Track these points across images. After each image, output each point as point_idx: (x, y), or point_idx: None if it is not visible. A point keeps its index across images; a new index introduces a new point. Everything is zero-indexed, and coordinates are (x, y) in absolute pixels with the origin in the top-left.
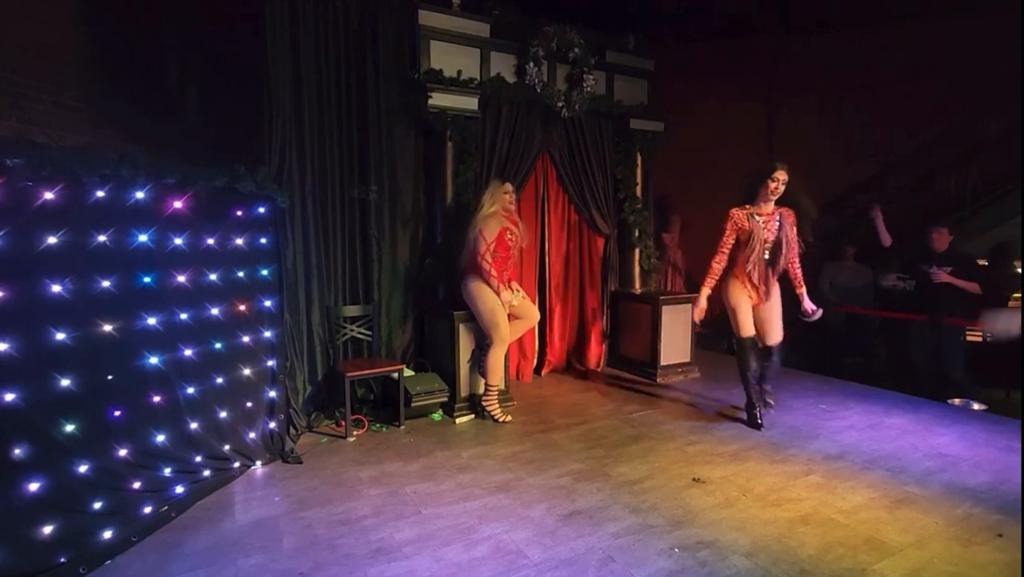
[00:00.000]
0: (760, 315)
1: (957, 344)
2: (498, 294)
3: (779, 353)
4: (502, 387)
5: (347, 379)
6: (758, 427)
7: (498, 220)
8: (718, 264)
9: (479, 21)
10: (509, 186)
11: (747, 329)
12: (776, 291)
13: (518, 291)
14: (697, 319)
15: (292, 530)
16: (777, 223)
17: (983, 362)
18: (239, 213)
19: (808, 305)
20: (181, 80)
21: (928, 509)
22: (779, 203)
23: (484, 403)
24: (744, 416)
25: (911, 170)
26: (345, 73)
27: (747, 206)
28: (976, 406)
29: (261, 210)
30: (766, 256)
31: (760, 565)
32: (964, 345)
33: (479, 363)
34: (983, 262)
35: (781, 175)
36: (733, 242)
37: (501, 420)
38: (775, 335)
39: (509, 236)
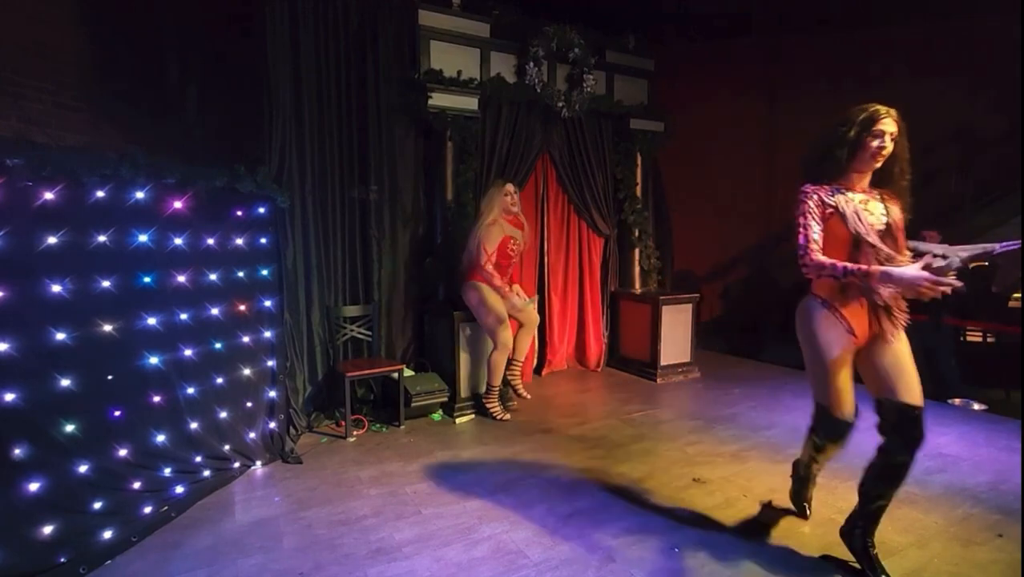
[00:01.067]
0: (878, 360)
1: (949, 343)
2: (506, 299)
3: (921, 429)
4: (503, 387)
5: (347, 379)
6: (805, 515)
7: (500, 229)
8: (826, 262)
9: (479, 21)
10: (510, 186)
11: (845, 403)
12: (903, 320)
13: (521, 296)
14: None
15: (292, 530)
16: (882, 206)
17: (982, 362)
18: (239, 213)
19: (935, 249)
20: (181, 80)
21: (928, 509)
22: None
23: (485, 402)
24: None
25: (911, 169)
26: (345, 73)
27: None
28: (976, 406)
29: (261, 210)
30: (876, 257)
31: (760, 565)
32: (958, 344)
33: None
34: (983, 263)
35: (889, 123)
36: (822, 233)
37: (500, 418)
38: (912, 388)
39: (513, 245)
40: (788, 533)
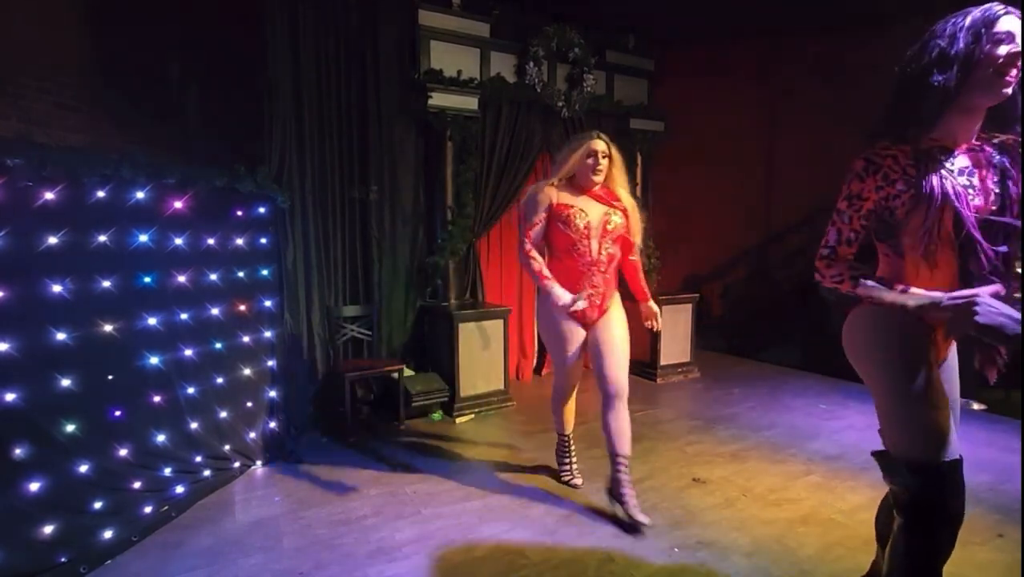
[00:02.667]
0: None
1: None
2: (546, 293)
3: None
4: (567, 432)
5: (347, 379)
6: None
7: (552, 194)
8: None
9: (479, 21)
10: (599, 143)
11: (942, 438)
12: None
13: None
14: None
15: (292, 530)
16: (994, 167)
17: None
18: (239, 213)
19: None
20: (181, 80)
21: None
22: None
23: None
24: None
25: None
26: (345, 73)
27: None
28: (976, 406)
29: (261, 210)
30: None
31: (760, 565)
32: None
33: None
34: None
35: (1014, 22)
36: (863, 225)
37: (570, 482)
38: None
39: (577, 219)
40: (787, 533)
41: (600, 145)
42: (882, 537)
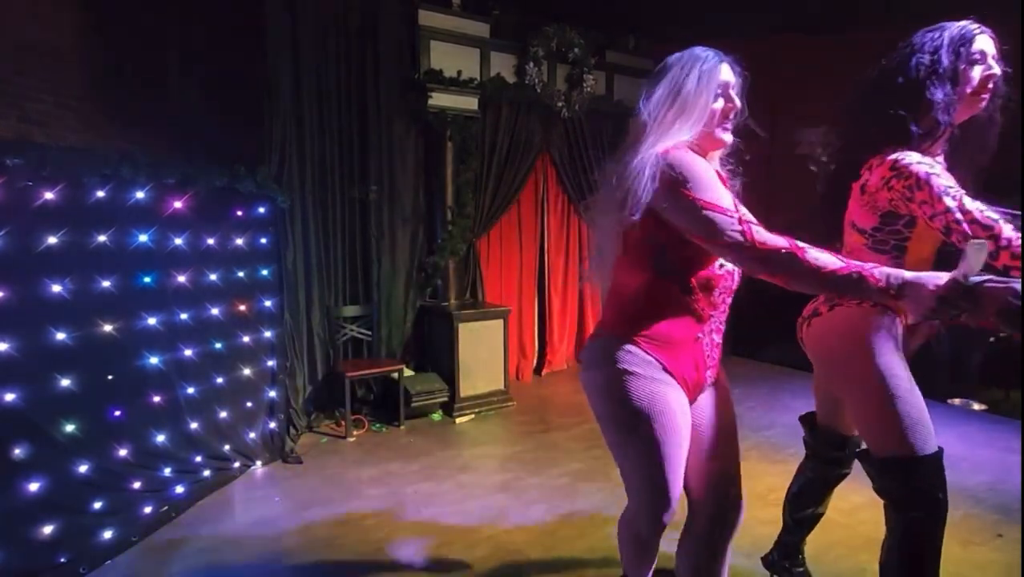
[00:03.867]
0: None
1: (982, 342)
2: (887, 286)
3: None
4: None
5: (347, 379)
6: None
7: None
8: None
9: (479, 21)
10: (727, 71)
11: (931, 429)
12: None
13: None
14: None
15: (292, 530)
16: None
17: (982, 362)
18: (239, 213)
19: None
20: (181, 80)
21: None
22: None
23: None
24: None
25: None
26: (345, 73)
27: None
28: (976, 406)
29: (261, 210)
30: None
31: (759, 565)
32: (987, 344)
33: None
34: None
35: (987, 42)
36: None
37: None
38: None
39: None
40: None
41: (730, 74)
42: (799, 521)
